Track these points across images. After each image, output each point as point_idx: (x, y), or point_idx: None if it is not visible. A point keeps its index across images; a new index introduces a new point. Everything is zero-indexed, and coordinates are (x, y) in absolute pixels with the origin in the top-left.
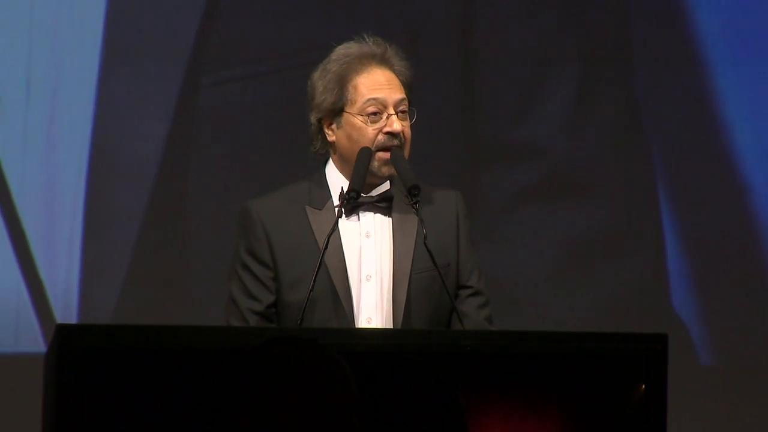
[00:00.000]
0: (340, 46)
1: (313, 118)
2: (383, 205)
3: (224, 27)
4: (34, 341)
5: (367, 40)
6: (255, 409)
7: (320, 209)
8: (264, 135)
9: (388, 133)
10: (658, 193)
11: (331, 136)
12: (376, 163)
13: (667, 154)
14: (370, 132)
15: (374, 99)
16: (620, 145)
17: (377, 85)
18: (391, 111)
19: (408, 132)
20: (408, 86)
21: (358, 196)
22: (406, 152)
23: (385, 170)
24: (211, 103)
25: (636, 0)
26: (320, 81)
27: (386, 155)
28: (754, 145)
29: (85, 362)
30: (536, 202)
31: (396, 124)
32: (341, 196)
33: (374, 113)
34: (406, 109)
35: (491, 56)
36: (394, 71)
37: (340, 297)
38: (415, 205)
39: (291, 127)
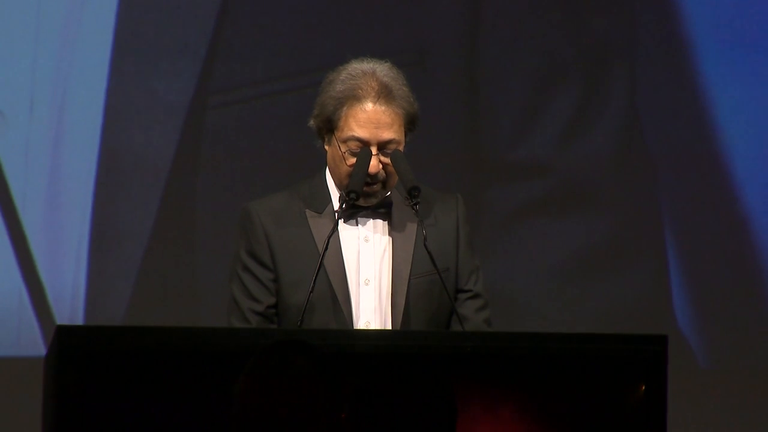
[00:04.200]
0: (355, 63)
1: (312, 121)
2: (382, 211)
3: (232, 48)
4: (35, 344)
5: (379, 67)
6: (249, 410)
7: (320, 213)
8: (271, 154)
9: None
10: (659, 204)
11: (325, 145)
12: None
13: (669, 165)
14: (346, 167)
15: (357, 138)
16: (622, 158)
17: (365, 123)
18: (374, 152)
19: (391, 170)
20: (409, 120)
21: (358, 197)
22: (389, 185)
23: (361, 202)
24: (219, 122)
25: (637, 13)
26: (326, 91)
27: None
28: (755, 153)
29: (84, 363)
30: (539, 216)
31: (372, 168)
32: (341, 198)
33: (354, 150)
34: (394, 147)
35: (495, 73)
36: (392, 107)
37: (339, 301)
38: (414, 207)
39: (298, 147)
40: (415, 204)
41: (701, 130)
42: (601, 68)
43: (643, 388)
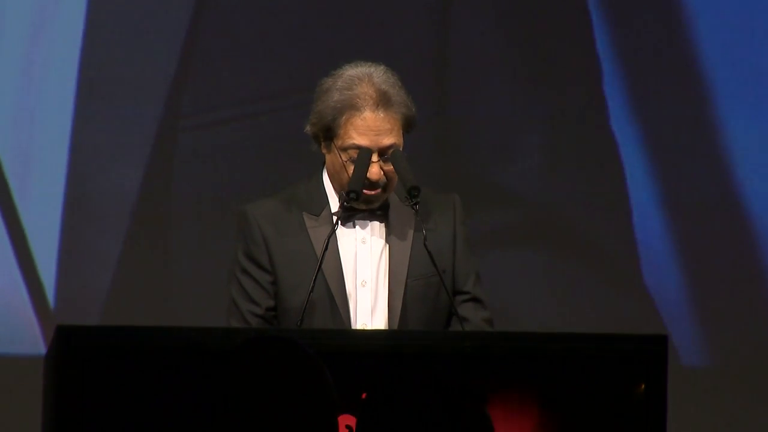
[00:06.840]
0: (350, 70)
1: (309, 128)
2: (379, 212)
3: (203, 69)
4: (33, 343)
5: (375, 72)
6: (245, 408)
7: (317, 215)
8: (242, 178)
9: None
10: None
11: (323, 150)
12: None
13: (659, 152)
14: (347, 176)
15: (357, 146)
16: (597, 179)
17: (365, 131)
18: (374, 159)
19: (392, 174)
20: (408, 123)
21: (358, 197)
22: (389, 189)
23: (362, 206)
24: (189, 145)
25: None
26: (322, 99)
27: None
28: (748, 149)
29: (84, 363)
30: (514, 243)
31: (374, 174)
32: (341, 198)
33: (355, 159)
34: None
35: (468, 98)
36: (391, 113)
37: (336, 303)
38: (414, 206)
39: (270, 170)
40: (415, 204)
41: (691, 117)
42: (575, 90)
43: (643, 388)
